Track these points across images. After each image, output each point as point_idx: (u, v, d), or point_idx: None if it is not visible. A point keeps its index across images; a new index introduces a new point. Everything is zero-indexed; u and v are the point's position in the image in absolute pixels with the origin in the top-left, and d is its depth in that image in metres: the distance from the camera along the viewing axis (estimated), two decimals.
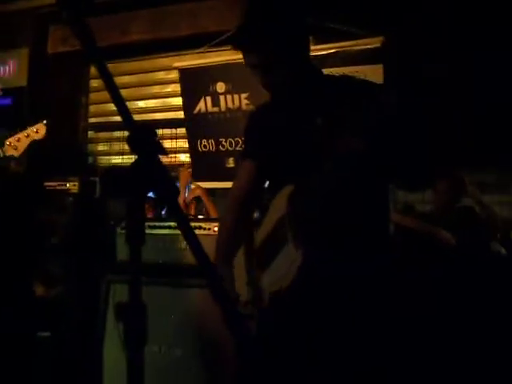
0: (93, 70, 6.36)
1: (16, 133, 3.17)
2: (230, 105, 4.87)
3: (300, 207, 1.90)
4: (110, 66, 1.18)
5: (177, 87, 5.50)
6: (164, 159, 1.16)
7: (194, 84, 5.07)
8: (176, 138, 5.93)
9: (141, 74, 6.31)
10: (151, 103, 6.25)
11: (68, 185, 4.71)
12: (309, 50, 2.10)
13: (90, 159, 6.57)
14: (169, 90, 6.09)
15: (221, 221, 2.30)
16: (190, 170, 5.06)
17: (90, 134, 6.66)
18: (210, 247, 1.44)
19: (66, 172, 4.85)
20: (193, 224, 3.31)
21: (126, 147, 5.40)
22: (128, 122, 1.15)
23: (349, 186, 1.88)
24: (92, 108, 6.60)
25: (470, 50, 4.15)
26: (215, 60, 4.88)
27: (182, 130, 5.65)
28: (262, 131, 2.15)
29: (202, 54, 5.39)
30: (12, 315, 3.33)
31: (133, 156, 1.15)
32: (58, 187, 4.69)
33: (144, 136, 1.14)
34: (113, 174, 4.11)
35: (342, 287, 1.90)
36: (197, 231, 3.26)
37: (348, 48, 4.22)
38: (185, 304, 3.18)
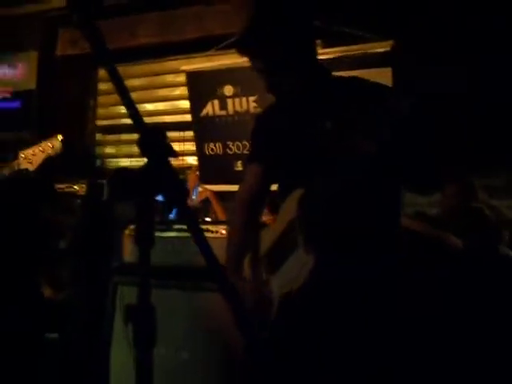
0: (101, 73, 6.38)
1: (30, 146, 3.15)
2: (237, 108, 4.88)
3: (310, 210, 1.90)
4: (119, 69, 1.19)
5: (185, 90, 5.50)
6: (172, 162, 1.17)
7: (201, 87, 5.07)
8: (184, 141, 5.94)
9: (149, 77, 6.32)
10: (159, 106, 6.27)
11: (76, 187, 4.72)
12: (316, 53, 2.10)
13: (98, 162, 6.58)
14: (177, 92, 6.10)
15: (229, 224, 2.30)
16: (197, 172, 5.07)
17: (98, 136, 6.67)
18: (217, 250, 1.44)
19: (74, 174, 4.86)
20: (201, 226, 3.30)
21: (134, 150, 5.41)
22: (138, 124, 1.15)
23: (359, 189, 1.88)
24: (100, 110, 6.62)
25: (477, 52, 4.14)
26: (223, 63, 4.89)
27: (189, 133, 5.65)
28: (268, 134, 2.14)
29: (209, 57, 5.40)
30: (19, 315, 3.34)
31: (141, 159, 1.15)
32: (66, 189, 4.70)
33: (154, 138, 1.14)
34: (122, 176, 4.11)
35: (352, 290, 1.90)
36: (205, 234, 3.26)
37: (357, 51, 4.21)
38: (193, 307, 3.18)
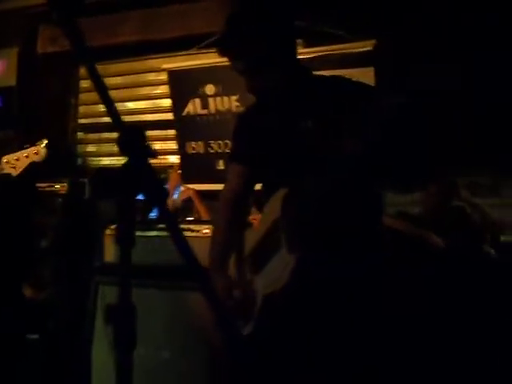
0: (82, 71, 6.32)
1: (14, 151, 3.10)
2: (219, 107, 4.87)
3: (294, 210, 1.90)
4: (100, 67, 1.18)
5: (167, 89, 5.48)
6: (154, 161, 1.16)
7: (182, 86, 5.06)
8: (166, 140, 5.91)
9: (131, 75, 6.27)
10: (141, 104, 6.23)
11: (57, 186, 4.68)
12: (296, 52, 2.10)
13: (80, 160, 6.53)
14: (159, 91, 6.07)
15: (214, 224, 2.30)
16: (179, 171, 5.05)
17: (80, 134, 6.62)
18: (199, 249, 1.43)
19: (55, 173, 4.82)
20: (182, 226, 3.30)
21: (116, 148, 5.38)
22: (117, 123, 1.15)
23: (344, 188, 1.88)
24: (82, 109, 6.56)
25: (459, 49, 4.16)
26: (205, 62, 4.87)
27: (171, 132, 5.63)
28: (251, 133, 2.14)
29: (191, 56, 5.37)
30: (1, 316, 3.31)
31: (122, 158, 1.15)
32: (47, 188, 4.66)
33: (133, 138, 1.14)
34: (102, 176, 4.09)
35: (336, 288, 1.90)
36: (186, 233, 3.26)
37: (339, 51, 4.22)
38: (173, 306, 3.17)
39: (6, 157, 3.04)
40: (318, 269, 1.91)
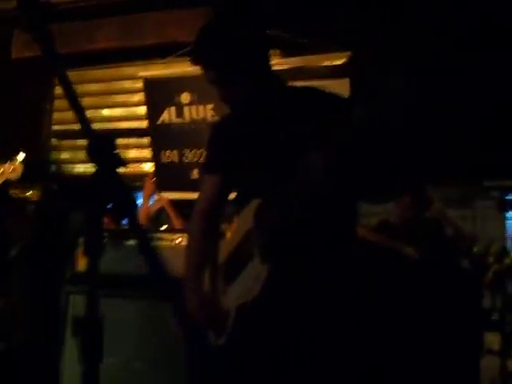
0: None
1: None
2: (194, 116, 4.85)
3: (266, 221, 1.90)
4: (76, 74, 1.16)
5: (142, 96, 5.45)
6: (128, 169, 1.15)
7: (158, 94, 5.04)
8: (140, 148, 5.88)
9: (106, 83, 6.24)
10: (117, 112, 6.19)
11: (30, 193, 4.63)
12: (270, 64, 2.10)
13: (53, 167, 6.46)
14: (135, 99, 6.04)
15: (188, 233, 2.29)
16: (154, 180, 5.02)
17: (54, 141, 6.55)
18: (172, 258, 1.42)
19: (28, 180, 4.76)
20: (155, 235, 3.28)
21: None
22: (87, 131, 1.13)
23: (316, 199, 1.88)
24: (56, 115, 6.50)
25: (435, 62, 4.20)
26: (181, 70, 4.86)
27: (146, 140, 5.60)
28: (225, 144, 2.14)
29: (167, 64, 5.36)
30: None
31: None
32: (19, 195, 4.60)
33: (103, 146, 1.12)
34: (71, 184, 4.05)
35: (308, 300, 1.90)
36: (159, 242, 3.24)
37: (315, 62, 4.24)
38: (144, 315, 3.15)
39: None
40: (290, 280, 1.90)
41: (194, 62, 2.04)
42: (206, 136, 2.27)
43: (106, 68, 6.22)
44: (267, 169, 1.98)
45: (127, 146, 5.85)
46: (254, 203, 1.96)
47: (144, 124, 5.53)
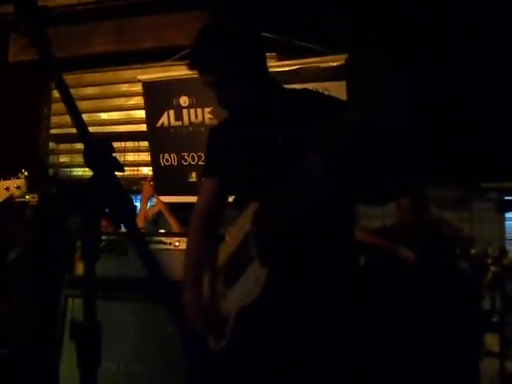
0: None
1: None
2: (193, 119, 4.84)
3: (265, 223, 1.90)
4: (74, 77, 1.16)
5: (141, 100, 5.44)
6: (127, 173, 1.14)
7: (157, 97, 5.03)
8: (139, 151, 5.88)
9: (105, 86, 6.24)
10: (115, 115, 6.19)
11: (27, 197, 4.61)
12: (267, 67, 2.10)
13: (51, 171, 6.46)
14: (133, 102, 6.04)
15: (188, 237, 2.29)
16: (152, 183, 5.02)
17: (51, 145, 6.55)
18: (171, 261, 1.41)
19: (27, 184, 4.75)
20: (153, 238, 3.28)
21: None
22: (84, 135, 1.13)
23: (314, 202, 1.88)
24: (54, 119, 6.50)
25: (429, 63, 4.21)
26: (179, 73, 4.85)
27: (145, 143, 5.60)
28: (223, 147, 2.15)
29: (166, 68, 5.36)
30: None
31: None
32: (17, 199, 4.59)
33: (100, 151, 1.11)
34: (70, 188, 4.03)
35: (307, 302, 1.90)
36: (158, 246, 3.23)
37: (311, 65, 4.23)
38: (142, 319, 3.14)
39: None
40: (289, 282, 1.91)
41: (191, 66, 2.05)
42: (205, 139, 2.28)
43: (103, 72, 6.22)
44: (266, 171, 1.98)
45: (125, 150, 5.85)
46: (253, 206, 1.96)
47: (141, 127, 5.52)
